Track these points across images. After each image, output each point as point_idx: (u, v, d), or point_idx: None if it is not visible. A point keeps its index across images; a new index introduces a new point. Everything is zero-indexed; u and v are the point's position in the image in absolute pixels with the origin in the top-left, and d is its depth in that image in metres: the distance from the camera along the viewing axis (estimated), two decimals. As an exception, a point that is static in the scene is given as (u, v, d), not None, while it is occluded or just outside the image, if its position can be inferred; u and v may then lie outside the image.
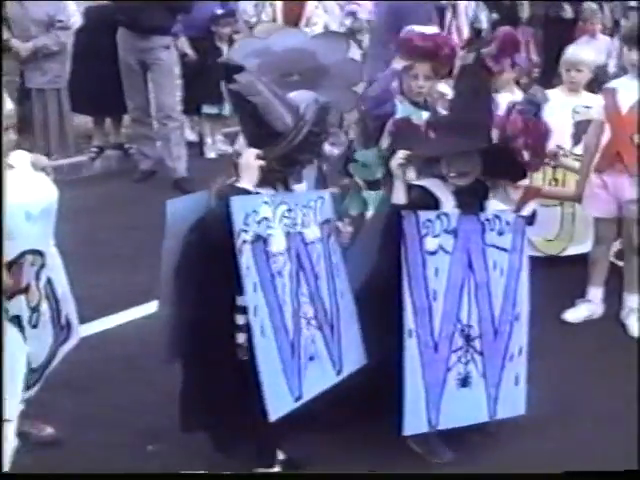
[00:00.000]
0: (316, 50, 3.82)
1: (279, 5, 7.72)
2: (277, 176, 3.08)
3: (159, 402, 3.57)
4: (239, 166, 3.02)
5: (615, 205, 4.61)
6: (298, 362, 3.06)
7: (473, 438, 3.51)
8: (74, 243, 5.43)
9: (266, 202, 2.98)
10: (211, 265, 3.00)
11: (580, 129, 5.03)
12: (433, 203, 3.40)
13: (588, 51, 5.62)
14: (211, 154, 8.01)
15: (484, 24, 9.49)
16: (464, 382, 3.42)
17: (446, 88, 4.07)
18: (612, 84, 4.67)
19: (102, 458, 3.39)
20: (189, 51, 7.83)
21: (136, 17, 6.81)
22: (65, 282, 3.39)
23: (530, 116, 3.61)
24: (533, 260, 3.61)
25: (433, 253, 3.31)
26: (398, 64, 3.97)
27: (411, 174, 3.57)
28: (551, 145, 4.92)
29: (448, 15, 8.19)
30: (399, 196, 3.41)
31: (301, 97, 3.11)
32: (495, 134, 3.46)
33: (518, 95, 5.06)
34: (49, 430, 3.51)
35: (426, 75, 3.92)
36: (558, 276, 4.93)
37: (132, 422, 3.62)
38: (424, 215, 3.30)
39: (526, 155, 3.55)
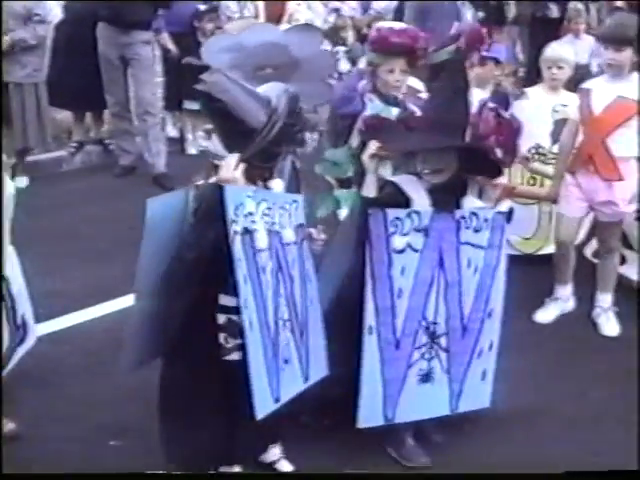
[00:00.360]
0: (289, 44, 3.80)
1: (261, 1, 7.70)
2: (257, 172, 3.02)
3: (124, 398, 3.54)
4: (222, 179, 2.89)
5: (586, 205, 4.57)
6: (277, 363, 3.01)
7: (434, 437, 3.50)
8: (53, 237, 5.45)
9: (250, 196, 2.92)
10: (200, 261, 2.91)
11: (559, 128, 4.96)
12: (404, 201, 3.37)
13: (568, 48, 5.59)
14: (192, 150, 7.96)
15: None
16: (426, 378, 3.42)
17: (417, 83, 4.05)
18: (587, 84, 4.58)
19: (66, 453, 3.36)
20: (171, 47, 7.78)
21: (117, 12, 6.76)
22: (21, 281, 3.35)
23: (502, 113, 3.59)
24: (509, 258, 3.58)
25: (400, 252, 3.29)
26: (363, 64, 3.94)
27: (386, 170, 3.55)
28: (530, 143, 4.95)
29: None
30: (369, 190, 3.38)
31: (271, 89, 3.05)
32: (467, 132, 3.43)
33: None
34: (11, 425, 3.47)
35: (402, 69, 3.90)
36: (535, 274, 4.90)
37: (96, 417, 3.59)
38: (392, 213, 3.26)
39: (498, 153, 3.55)
